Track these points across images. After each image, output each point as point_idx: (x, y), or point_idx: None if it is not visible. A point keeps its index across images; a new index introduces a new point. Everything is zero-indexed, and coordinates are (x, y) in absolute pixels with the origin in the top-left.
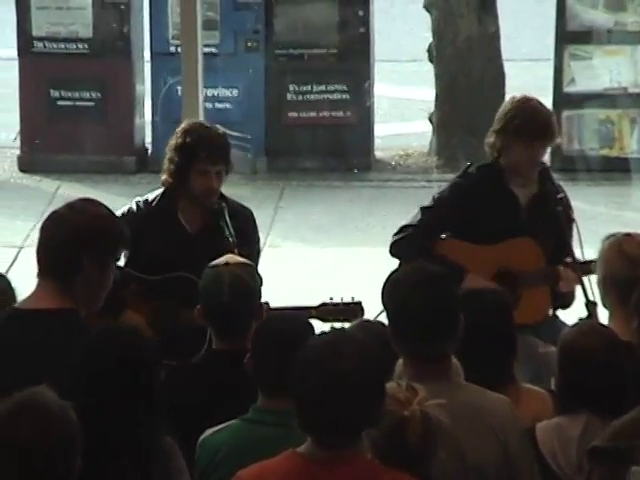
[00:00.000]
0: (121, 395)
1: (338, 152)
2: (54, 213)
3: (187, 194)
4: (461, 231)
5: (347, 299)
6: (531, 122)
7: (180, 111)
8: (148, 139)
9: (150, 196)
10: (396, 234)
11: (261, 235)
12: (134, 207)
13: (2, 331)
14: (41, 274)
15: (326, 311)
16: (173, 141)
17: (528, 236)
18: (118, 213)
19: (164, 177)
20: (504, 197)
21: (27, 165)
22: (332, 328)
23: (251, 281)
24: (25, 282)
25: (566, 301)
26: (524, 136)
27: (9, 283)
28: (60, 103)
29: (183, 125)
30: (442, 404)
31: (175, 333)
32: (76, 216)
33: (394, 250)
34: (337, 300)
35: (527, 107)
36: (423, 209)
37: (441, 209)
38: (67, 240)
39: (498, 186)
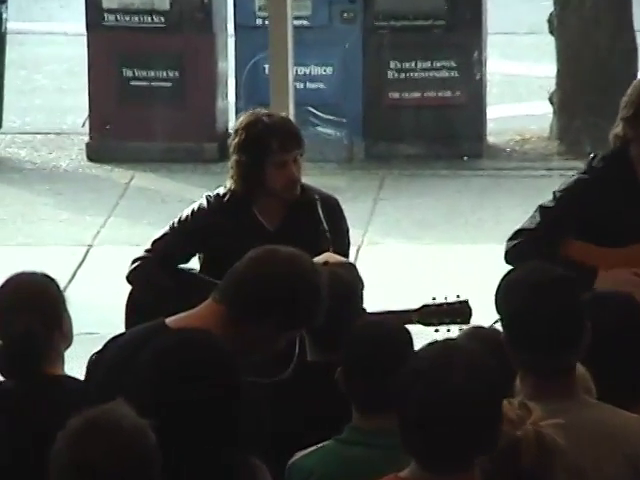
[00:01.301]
0: (198, 413)
1: (445, 137)
2: (272, 250)
3: (264, 191)
4: (586, 233)
5: (451, 298)
6: None
7: (267, 92)
8: (231, 123)
9: (222, 190)
10: (511, 239)
11: (359, 232)
12: (204, 203)
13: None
14: (218, 299)
15: (428, 313)
16: (234, 140)
17: None
18: (186, 212)
19: (232, 185)
20: (635, 193)
21: (97, 153)
22: (436, 331)
23: (353, 282)
24: (94, 286)
25: None
26: None
27: (55, 285)
28: (133, 83)
29: (240, 120)
30: (560, 424)
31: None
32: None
33: (511, 257)
34: (440, 300)
35: None
36: (542, 209)
37: (564, 209)
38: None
39: (628, 181)
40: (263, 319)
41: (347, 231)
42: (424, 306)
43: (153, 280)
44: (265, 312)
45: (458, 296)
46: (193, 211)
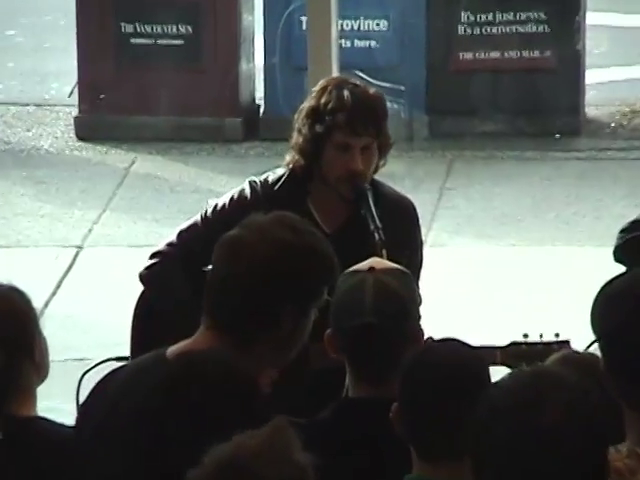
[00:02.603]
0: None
1: (532, 109)
2: (236, 237)
3: (322, 178)
4: None
5: (548, 336)
6: None
7: (304, 53)
8: (259, 93)
9: (271, 176)
10: (624, 231)
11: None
12: (247, 191)
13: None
14: (211, 326)
15: (517, 354)
16: (306, 103)
17: None
18: (223, 200)
19: (291, 156)
20: None
21: (88, 130)
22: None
23: (407, 294)
24: (84, 299)
25: None
26: None
27: (25, 300)
28: (134, 41)
29: (322, 82)
30: None
31: (299, 376)
32: (265, 245)
33: (622, 254)
34: (534, 338)
35: None
36: None
37: None
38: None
39: None
40: (279, 317)
41: (421, 243)
42: (512, 344)
43: (173, 282)
44: (277, 309)
45: (557, 335)
46: (232, 199)
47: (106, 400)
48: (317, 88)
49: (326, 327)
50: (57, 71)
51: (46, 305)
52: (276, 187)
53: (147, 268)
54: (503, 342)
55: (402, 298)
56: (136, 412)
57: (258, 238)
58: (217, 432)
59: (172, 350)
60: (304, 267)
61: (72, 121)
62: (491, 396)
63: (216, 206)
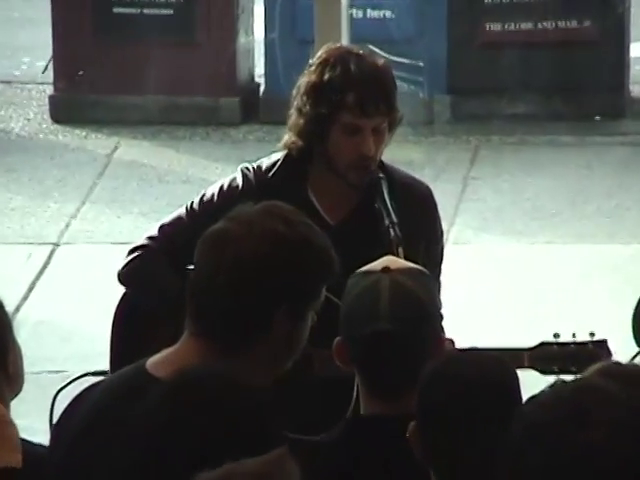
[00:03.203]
0: None
1: (569, 88)
2: (221, 230)
3: (325, 163)
4: None
5: (582, 336)
6: None
7: (310, 24)
8: (259, 70)
9: (265, 162)
10: None
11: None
12: (239, 179)
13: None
14: (196, 332)
15: (547, 355)
16: (305, 78)
17: None
18: (212, 190)
19: (288, 138)
20: None
21: (65, 112)
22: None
23: (427, 297)
24: (60, 302)
25: None
26: None
27: None
28: (117, 10)
29: (321, 52)
30: None
31: (306, 389)
32: (254, 238)
33: None
34: (566, 337)
35: None
36: None
37: None
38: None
39: None
40: (272, 319)
41: (442, 234)
42: (541, 344)
43: (156, 279)
44: (270, 310)
45: (592, 334)
46: (222, 188)
47: (81, 422)
48: (317, 61)
49: (331, 332)
50: (29, 44)
51: (17, 310)
52: (271, 173)
53: (125, 265)
54: (529, 340)
55: (422, 302)
56: (122, 439)
57: (246, 231)
58: (225, 457)
59: (153, 362)
60: (298, 262)
61: (46, 101)
62: (527, 413)
63: (203, 196)
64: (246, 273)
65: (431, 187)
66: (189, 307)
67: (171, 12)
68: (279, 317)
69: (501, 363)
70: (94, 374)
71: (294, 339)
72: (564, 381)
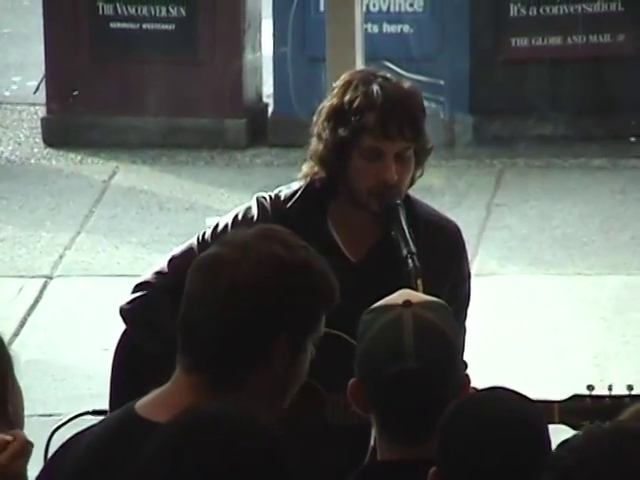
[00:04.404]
0: None
1: (601, 108)
2: (214, 256)
3: (347, 195)
4: None
5: (618, 388)
6: None
7: (322, 40)
8: (267, 89)
9: (284, 191)
10: None
11: None
12: (254, 210)
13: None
14: (188, 367)
15: (580, 410)
16: (326, 102)
17: None
18: (225, 220)
19: (309, 167)
20: None
21: (58, 135)
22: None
23: (451, 332)
24: (53, 339)
25: None
26: None
27: None
28: (115, 26)
29: (345, 76)
30: None
31: (319, 435)
32: (250, 263)
33: None
34: (600, 389)
35: None
36: None
37: None
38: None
39: None
40: (270, 350)
41: (469, 276)
42: (574, 397)
43: (161, 320)
44: (268, 339)
45: (631, 387)
46: (236, 219)
47: (69, 471)
48: (339, 83)
49: (345, 375)
50: (19, 62)
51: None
52: (289, 204)
53: (130, 302)
54: (562, 395)
55: (447, 337)
56: None
57: (241, 255)
58: None
59: (143, 405)
60: (298, 287)
61: (39, 123)
62: (560, 458)
63: (216, 227)
64: (243, 301)
65: (451, 214)
66: (181, 339)
67: (173, 27)
68: (278, 347)
69: (530, 405)
70: (93, 413)
71: (294, 372)
72: (600, 424)
